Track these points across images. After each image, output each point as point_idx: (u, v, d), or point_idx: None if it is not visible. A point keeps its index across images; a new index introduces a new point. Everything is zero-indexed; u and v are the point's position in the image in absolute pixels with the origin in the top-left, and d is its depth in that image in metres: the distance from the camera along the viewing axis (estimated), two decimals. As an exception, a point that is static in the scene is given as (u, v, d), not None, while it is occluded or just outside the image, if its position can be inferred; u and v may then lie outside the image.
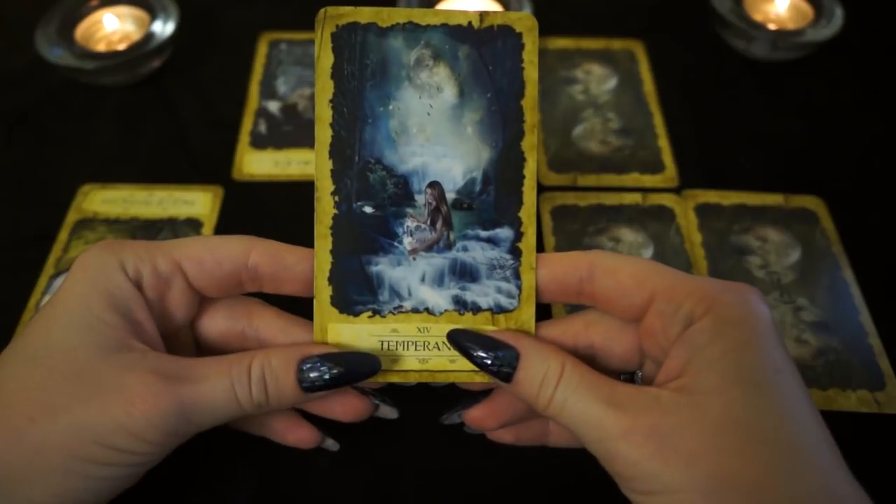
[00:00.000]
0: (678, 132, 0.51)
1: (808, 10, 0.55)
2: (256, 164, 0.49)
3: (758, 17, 0.56)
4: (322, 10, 0.29)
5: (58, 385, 0.26)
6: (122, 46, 0.53)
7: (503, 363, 0.27)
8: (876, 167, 0.50)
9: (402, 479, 0.35)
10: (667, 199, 0.47)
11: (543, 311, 0.39)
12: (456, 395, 0.31)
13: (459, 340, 0.28)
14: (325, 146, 0.29)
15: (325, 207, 0.29)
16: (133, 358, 0.27)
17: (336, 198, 0.29)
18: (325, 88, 0.29)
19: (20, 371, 0.26)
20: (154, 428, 0.26)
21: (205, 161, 0.49)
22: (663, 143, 0.50)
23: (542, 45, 0.57)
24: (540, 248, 0.44)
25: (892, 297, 0.42)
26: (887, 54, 0.57)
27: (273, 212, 0.46)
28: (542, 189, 0.48)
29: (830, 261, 0.44)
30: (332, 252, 0.29)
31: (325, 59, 0.29)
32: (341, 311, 0.29)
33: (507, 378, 0.27)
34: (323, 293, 0.29)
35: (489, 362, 0.27)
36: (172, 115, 0.52)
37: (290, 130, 0.51)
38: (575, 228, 0.45)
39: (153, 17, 0.54)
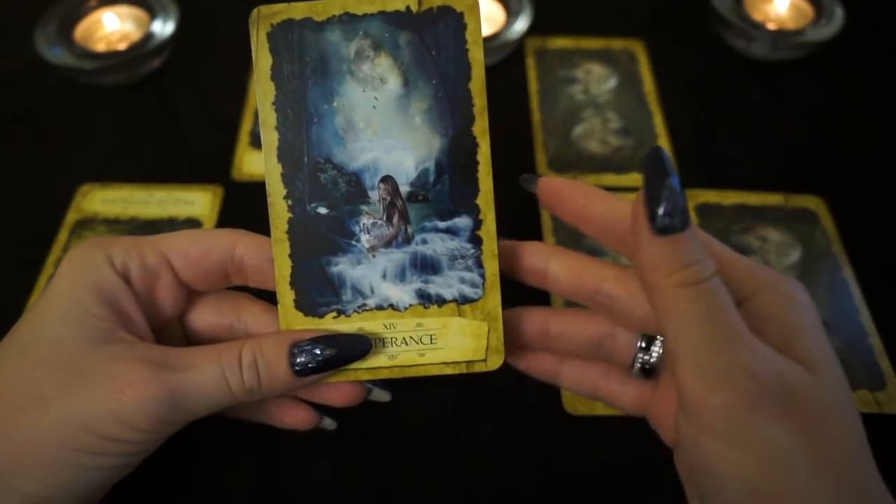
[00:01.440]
0: (678, 132, 0.51)
1: (808, 10, 0.55)
2: (256, 163, 0.49)
3: (758, 16, 0.56)
4: (255, 11, 0.28)
5: (47, 376, 0.26)
6: (121, 46, 0.53)
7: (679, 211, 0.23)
8: (876, 167, 0.50)
9: (402, 479, 0.35)
10: (667, 199, 0.47)
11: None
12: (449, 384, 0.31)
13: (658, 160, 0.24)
14: (273, 150, 0.28)
15: (279, 212, 0.28)
16: (122, 348, 0.27)
17: (289, 201, 0.28)
18: (266, 91, 0.28)
19: (10, 363, 0.27)
20: (144, 416, 0.26)
21: (204, 161, 0.49)
22: (663, 143, 0.50)
23: (542, 45, 0.57)
24: (540, 248, 0.44)
25: (892, 297, 0.42)
26: (887, 54, 0.57)
27: (273, 212, 0.46)
28: (542, 189, 0.48)
29: (830, 261, 0.44)
30: (290, 256, 0.28)
31: (264, 60, 0.28)
32: (306, 314, 0.29)
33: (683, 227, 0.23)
34: (286, 297, 0.29)
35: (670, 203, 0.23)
36: (172, 115, 0.52)
37: (289, 130, 0.51)
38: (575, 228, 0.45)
39: (153, 16, 0.54)
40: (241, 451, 0.35)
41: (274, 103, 0.28)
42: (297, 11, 0.28)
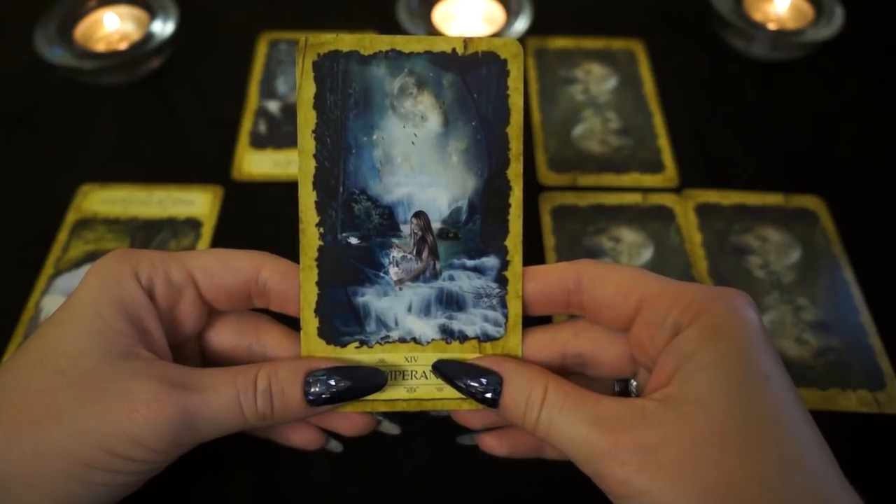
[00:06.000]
0: (678, 132, 0.51)
1: (808, 10, 0.55)
2: (256, 163, 0.49)
3: (758, 17, 0.56)
4: (303, 38, 0.28)
5: (63, 389, 0.26)
6: (121, 46, 0.53)
7: (487, 389, 0.28)
8: (876, 167, 0.50)
9: (401, 480, 0.35)
10: (667, 199, 0.47)
11: (543, 319, 0.40)
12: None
13: (444, 370, 0.29)
14: (309, 178, 0.28)
15: (310, 239, 0.29)
16: (140, 365, 0.27)
17: (321, 229, 0.29)
18: (307, 119, 0.28)
19: (27, 374, 0.26)
20: (157, 435, 0.26)
21: (204, 161, 0.49)
22: (663, 143, 0.50)
23: (542, 45, 0.57)
24: (540, 247, 0.44)
25: (892, 297, 0.42)
26: (887, 54, 0.57)
27: (272, 212, 0.46)
28: (541, 189, 0.48)
29: (830, 261, 0.44)
30: (317, 284, 0.29)
31: (307, 89, 0.28)
32: (328, 343, 0.29)
33: (494, 404, 0.28)
34: (309, 325, 0.29)
35: (474, 390, 0.28)
36: (172, 114, 0.52)
37: (289, 130, 0.51)
38: (575, 228, 0.45)
39: (153, 16, 0.54)
40: (241, 451, 0.35)
41: (314, 131, 0.28)
42: (345, 44, 0.28)
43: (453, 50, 0.28)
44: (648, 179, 0.48)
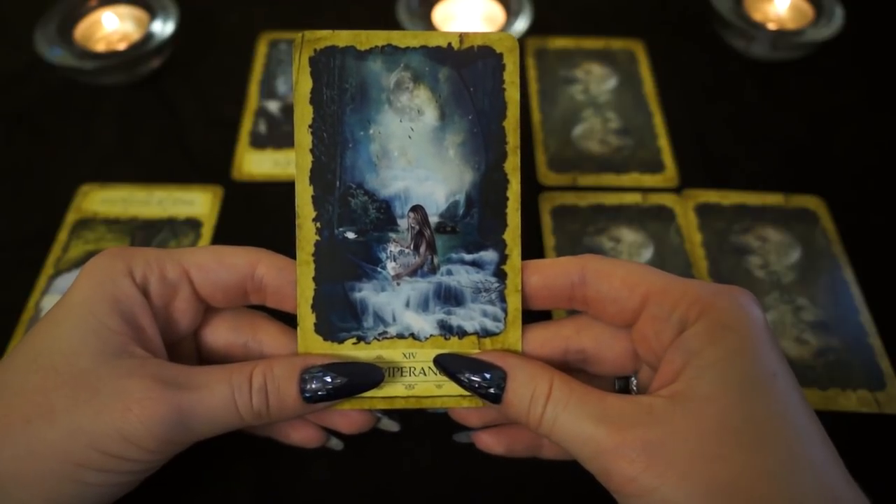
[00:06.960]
0: (678, 132, 0.51)
1: (808, 10, 0.55)
2: (256, 163, 0.49)
3: (758, 16, 0.56)
4: (299, 35, 0.28)
5: (56, 388, 0.26)
6: (121, 46, 0.53)
7: (491, 384, 0.27)
8: (876, 167, 0.50)
9: (401, 478, 0.35)
10: (667, 199, 0.47)
11: (544, 315, 0.40)
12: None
13: (446, 365, 0.28)
14: (306, 172, 0.28)
15: (307, 234, 0.29)
16: (133, 364, 0.26)
17: (318, 224, 0.29)
18: (304, 114, 0.28)
19: (21, 373, 0.26)
20: (150, 434, 0.25)
21: (204, 161, 0.49)
22: (663, 143, 0.50)
23: (542, 45, 0.57)
24: (540, 247, 0.44)
25: (892, 297, 0.42)
26: (887, 54, 0.57)
27: (272, 212, 0.46)
28: (541, 189, 0.48)
29: (830, 261, 0.44)
30: (314, 279, 0.29)
31: (304, 84, 0.28)
32: (325, 339, 0.29)
33: (497, 399, 0.27)
34: (306, 321, 0.29)
35: (477, 385, 0.27)
36: (172, 114, 0.52)
37: (289, 130, 0.51)
38: (575, 228, 0.45)
39: (153, 16, 0.54)
40: (241, 449, 0.35)
41: (311, 126, 0.28)
42: (341, 39, 0.28)
43: (449, 44, 0.28)
44: (648, 179, 0.48)
